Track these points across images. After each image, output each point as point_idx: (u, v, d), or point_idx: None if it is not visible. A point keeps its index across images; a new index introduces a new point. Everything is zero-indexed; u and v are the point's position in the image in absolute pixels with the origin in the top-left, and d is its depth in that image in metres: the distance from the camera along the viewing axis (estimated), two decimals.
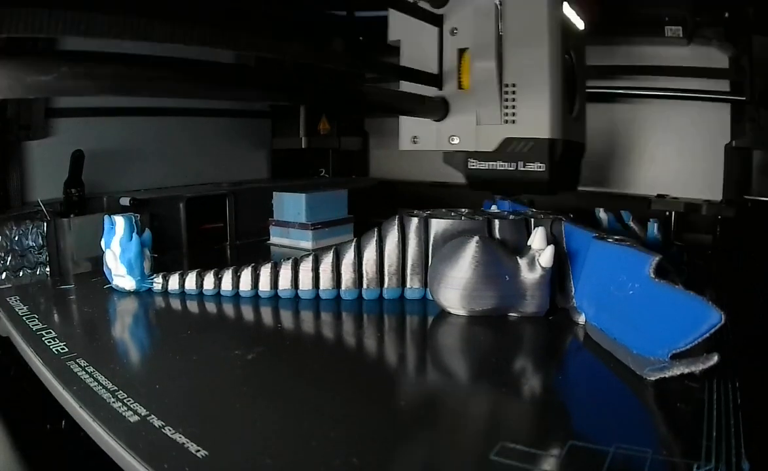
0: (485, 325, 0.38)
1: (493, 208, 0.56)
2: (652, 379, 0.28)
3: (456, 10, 0.54)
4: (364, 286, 0.42)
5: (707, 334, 0.26)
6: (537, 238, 0.38)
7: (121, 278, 0.45)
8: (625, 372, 0.30)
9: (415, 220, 0.42)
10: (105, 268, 0.46)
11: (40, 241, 0.53)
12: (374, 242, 0.42)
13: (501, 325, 0.38)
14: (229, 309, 0.43)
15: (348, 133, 1.03)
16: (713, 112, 0.75)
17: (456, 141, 0.55)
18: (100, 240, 0.47)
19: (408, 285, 0.42)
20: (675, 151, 0.79)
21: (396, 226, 0.42)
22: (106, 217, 0.46)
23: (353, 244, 0.42)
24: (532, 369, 0.33)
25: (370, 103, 0.50)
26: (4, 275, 0.50)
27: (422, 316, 0.41)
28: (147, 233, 0.47)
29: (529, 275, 0.37)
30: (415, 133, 0.57)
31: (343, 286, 0.42)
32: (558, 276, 0.39)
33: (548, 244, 0.38)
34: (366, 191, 0.93)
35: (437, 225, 0.41)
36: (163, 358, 0.34)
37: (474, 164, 0.55)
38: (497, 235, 0.40)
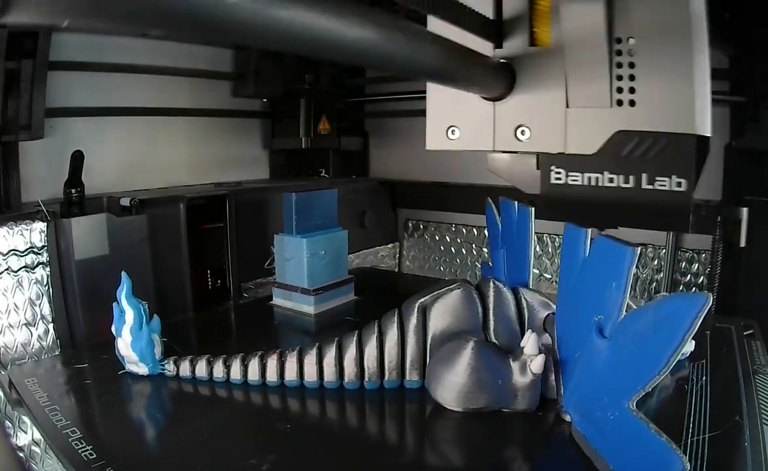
0: (479, 420, 0.41)
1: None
2: None
3: None
4: (366, 378, 0.45)
5: None
6: (530, 343, 0.40)
7: (134, 365, 0.48)
8: None
9: (413, 320, 0.44)
10: (117, 354, 0.49)
11: (41, 242, 0.54)
12: (374, 338, 0.45)
13: (493, 420, 0.41)
14: (239, 398, 0.45)
15: (348, 133, 1.03)
16: (713, 112, 0.76)
17: (526, 135, 0.35)
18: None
19: (407, 377, 0.45)
20: None
21: (395, 324, 0.45)
22: (115, 304, 0.48)
23: (354, 339, 0.45)
24: (517, 467, 0.38)
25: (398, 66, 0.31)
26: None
27: (421, 405, 0.44)
28: (155, 320, 0.49)
29: (521, 379, 0.40)
30: (453, 122, 0.36)
31: (346, 379, 0.45)
32: (550, 371, 0.42)
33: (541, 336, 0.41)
34: (366, 191, 0.94)
35: (435, 326, 0.44)
36: (185, 468, 0.36)
37: (560, 176, 0.35)
38: (492, 337, 0.43)
